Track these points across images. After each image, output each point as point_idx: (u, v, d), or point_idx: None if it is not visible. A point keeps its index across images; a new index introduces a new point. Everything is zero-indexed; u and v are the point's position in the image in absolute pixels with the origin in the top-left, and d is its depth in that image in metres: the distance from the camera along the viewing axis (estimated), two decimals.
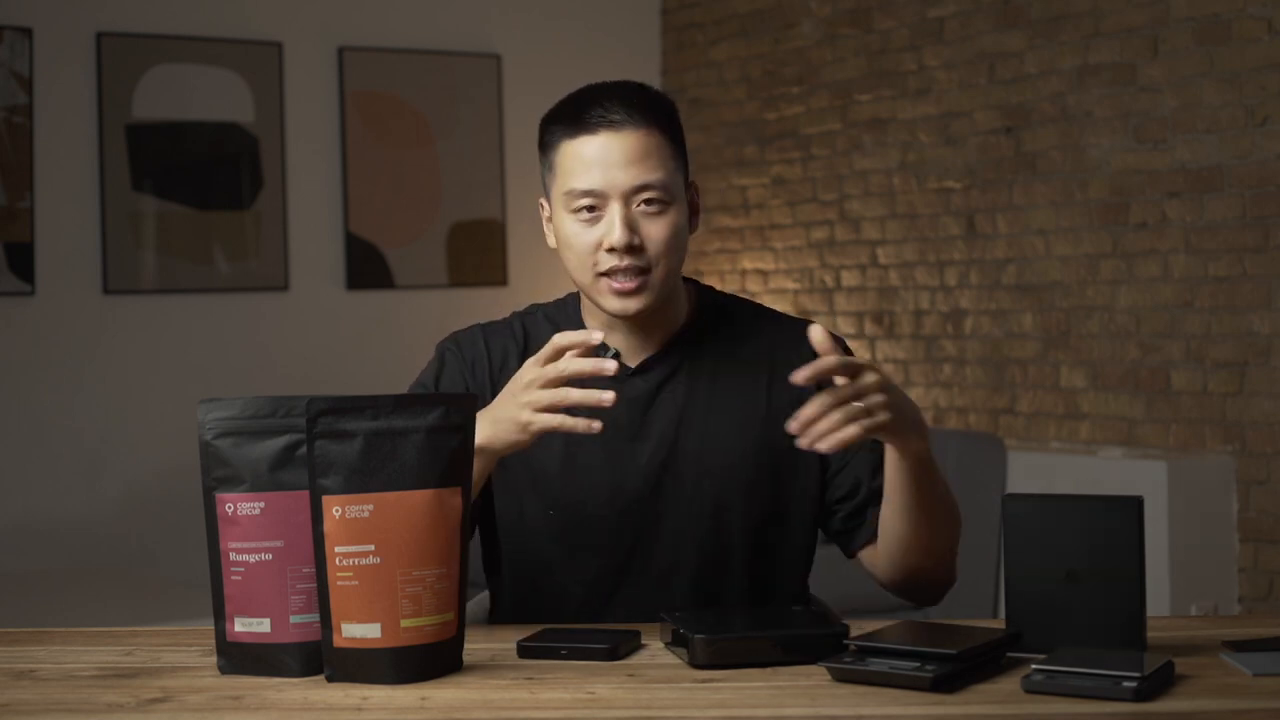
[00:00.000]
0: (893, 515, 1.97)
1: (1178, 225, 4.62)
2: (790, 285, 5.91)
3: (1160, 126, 4.65)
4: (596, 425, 1.81)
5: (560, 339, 1.83)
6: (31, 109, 5.22)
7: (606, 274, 2.00)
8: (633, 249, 1.98)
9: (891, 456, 1.92)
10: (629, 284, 1.99)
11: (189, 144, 5.50)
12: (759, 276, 6.05)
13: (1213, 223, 4.53)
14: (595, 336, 1.82)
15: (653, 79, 6.28)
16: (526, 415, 1.83)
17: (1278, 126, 4.36)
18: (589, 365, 1.81)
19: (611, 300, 2.01)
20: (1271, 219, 4.40)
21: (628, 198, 1.99)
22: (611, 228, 1.98)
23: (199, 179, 5.52)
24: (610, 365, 1.80)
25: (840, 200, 5.71)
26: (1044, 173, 5.00)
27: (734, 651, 1.70)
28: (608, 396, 1.80)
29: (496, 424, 1.85)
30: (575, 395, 1.81)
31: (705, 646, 1.69)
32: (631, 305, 2.00)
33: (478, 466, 1.86)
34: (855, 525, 2.08)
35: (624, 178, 1.98)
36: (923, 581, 2.03)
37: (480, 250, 6.00)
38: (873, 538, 2.06)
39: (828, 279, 5.77)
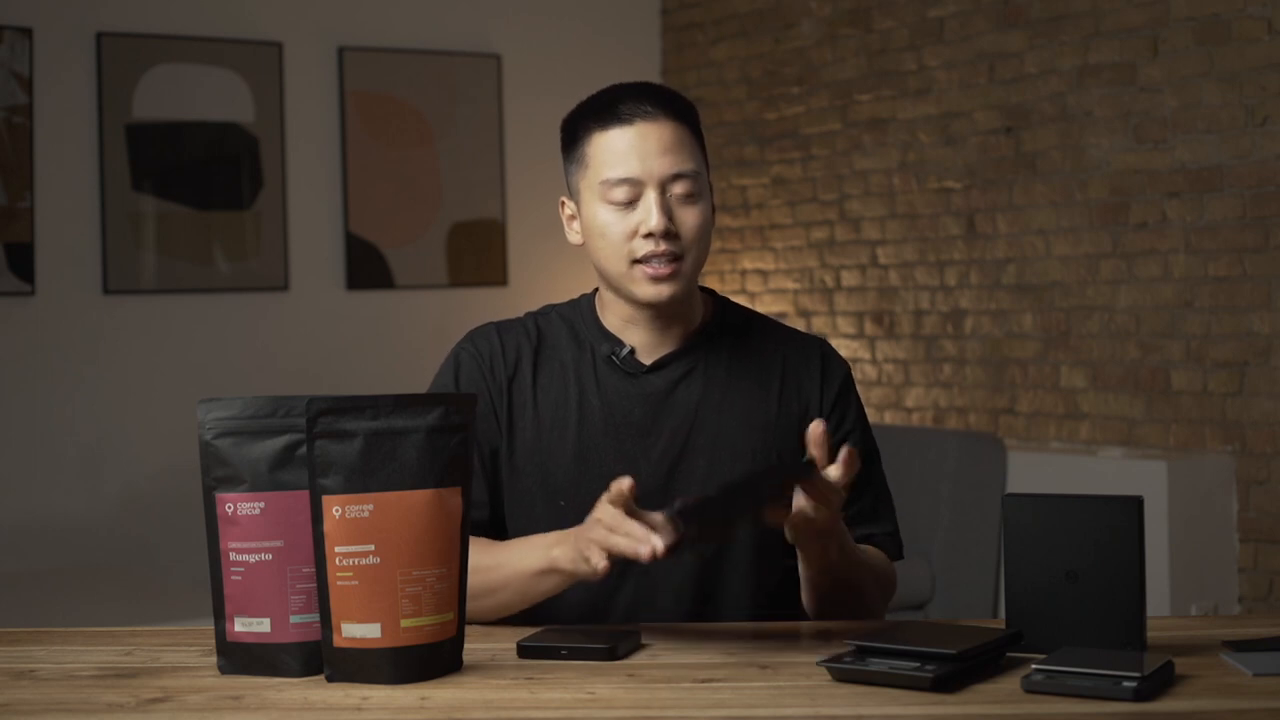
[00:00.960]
0: (805, 586, 2.02)
1: (1178, 225, 4.63)
2: (790, 285, 5.91)
3: (1160, 126, 4.65)
4: (644, 552, 1.76)
5: (620, 484, 1.81)
6: (31, 109, 5.22)
7: (641, 260, 2.02)
8: (669, 234, 2.01)
9: (803, 561, 1.96)
10: (664, 269, 2.02)
11: (189, 144, 5.50)
12: (759, 276, 6.05)
13: (1213, 223, 4.54)
14: (625, 483, 1.81)
15: (653, 79, 6.26)
16: (589, 551, 1.81)
17: (1278, 126, 4.36)
18: (642, 549, 1.77)
19: (645, 287, 2.03)
20: (1271, 219, 4.40)
21: (663, 185, 2.02)
22: (649, 213, 2.01)
23: (199, 179, 5.52)
24: (658, 546, 1.76)
25: (840, 200, 5.71)
26: (1044, 173, 5.00)
27: (709, 517, 1.72)
28: (644, 552, 1.75)
29: (576, 554, 1.85)
30: (620, 545, 1.78)
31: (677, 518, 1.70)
32: (665, 291, 2.03)
33: (554, 581, 1.90)
34: None
35: (660, 165, 2.02)
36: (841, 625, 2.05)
37: (480, 250, 5.99)
38: None
39: (828, 279, 5.77)
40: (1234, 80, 4.45)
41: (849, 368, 2.19)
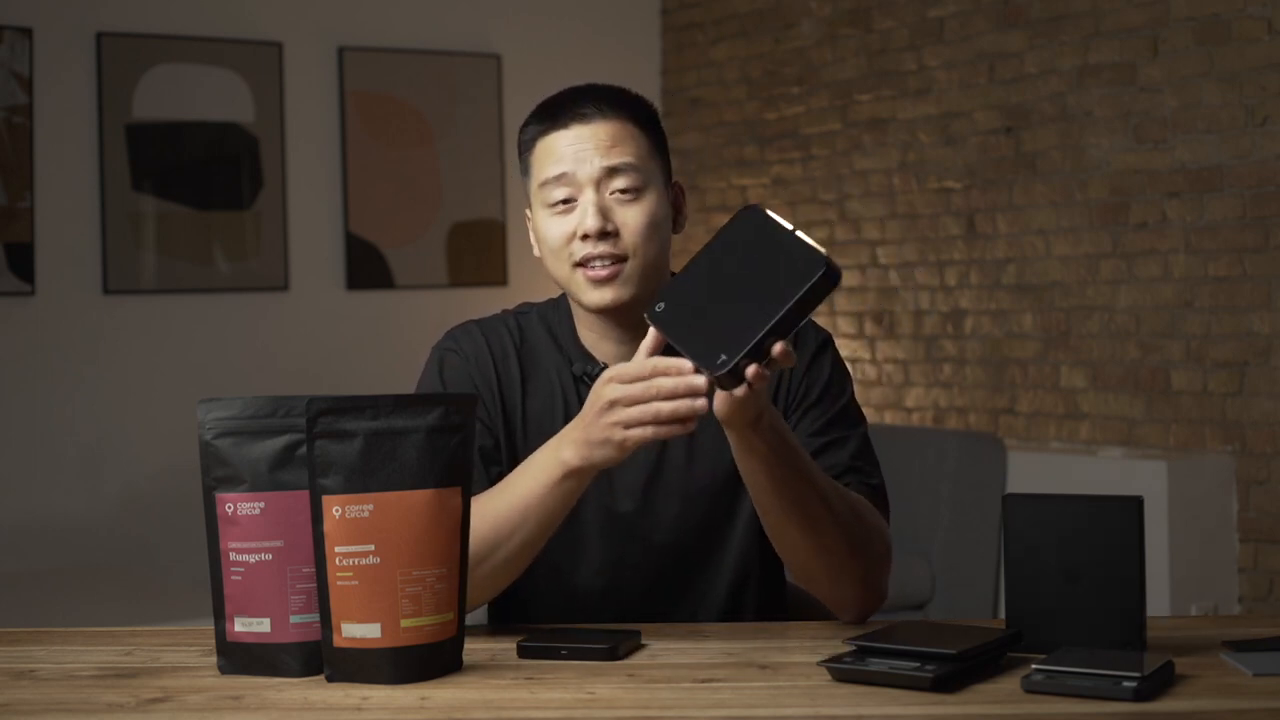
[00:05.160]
0: (761, 513, 1.88)
1: (1178, 225, 4.63)
2: None
3: (1160, 126, 4.65)
4: (691, 427, 1.72)
5: (654, 363, 1.73)
6: (31, 109, 5.22)
7: (582, 264, 1.98)
8: (606, 235, 1.96)
9: (738, 447, 1.81)
10: (603, 272, 1.96)
11: (189, 144, 5.50)
12: None
13: (1213, 223, 4.54)
14: (698, 381, 1.70)
15: (653, 79, 6.28)
16: (620, 434, 1.73)
17: (1278, 126, 4.36)
18: (681, 384, 1.70)
19: (588, 292, 1.98)
20: (1271, 219, 4.40)
21: (599, 184, 1.97)
22: (584, 215, 1.96)
23: (199, 179, 5.52)
24: (700, 382, 1.68)
25: (840, 200, 5.71)
26: (1044, 173, 5.00)
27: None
28: (700, 404, 1.69)
29: (591, 445, 1.76)
30: (666, 409, 1.71)
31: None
32: (608, 296, 1.97)
33: (570, 486, 1.81)
34: None
35: (594, 161, 1.97)
36: (824, 589, 1.91)
37: (480, 250, 6.00)
38: None
39: None
40: (1234, 80, 4.45)
41: (827, 335, 2.08)
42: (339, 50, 5.76)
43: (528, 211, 2.10)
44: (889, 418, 5.53)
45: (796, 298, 1.64)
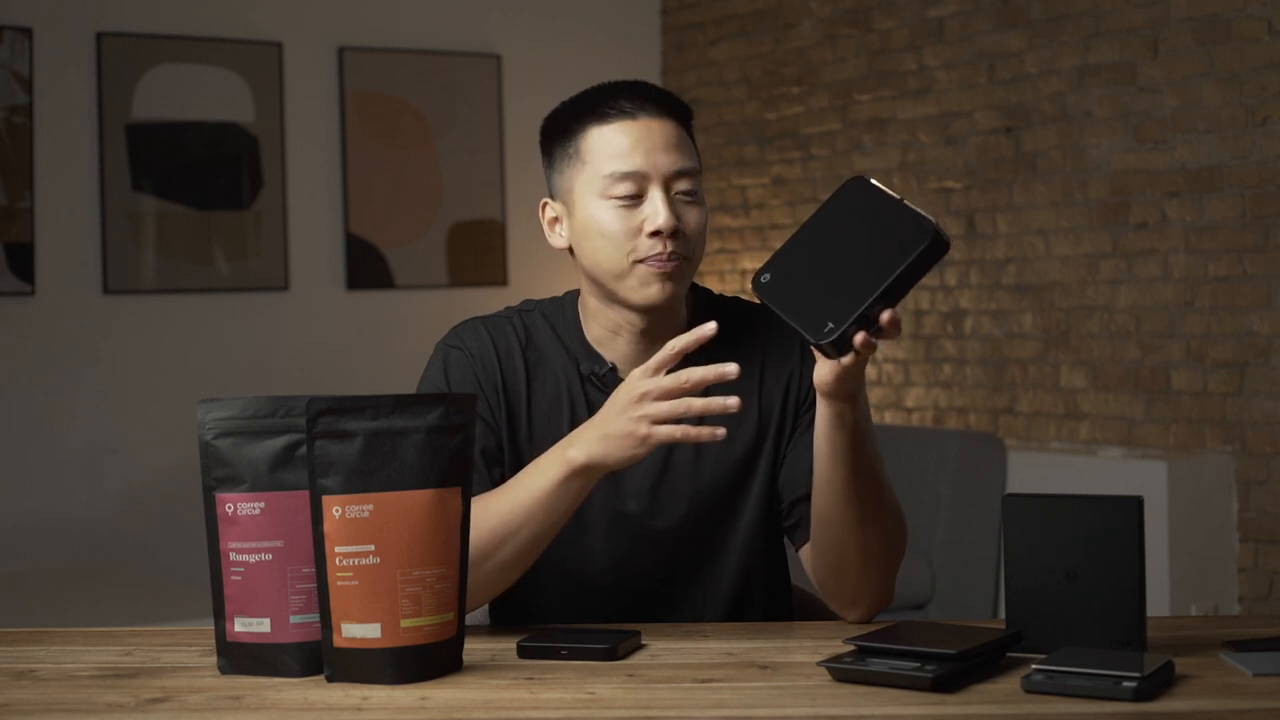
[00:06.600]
0: (822, 491, 1.88)
1: (1178, 225, 4.63)
2: None
3: (1160, 126, 4.65)
4: (721, 432, 1.73)
5: (675, 345, 1.76)
6: (31, 109, 5.22)
7: (642, 260, 1.95)
8: (676, 234, 1.95)
9: (830, 420, 1.82)
10: (668, 266, 1.95)
11: (189, 144, 5.50)
12: None
13: (1213, 223, 4.54)
14: (709, 329, 1.76)
15: (653, 79, 6.27)
16: (645, 429, 1.75)
17: (1278, 126, 4.36)
18: (711, 372, 1.73)
19: (646, 288, 1.96)
20: (1271, 219, 4.40)
21: (668, 183, 1.97)
22: (657, 211, 1.94)
23: (199, 179, 5.52)
24: (732, 369, 1.72)
25: None
26: (1044, 173, 5.00)
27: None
28: (732, 402, 1.71)
29: (609, 440, 1.77)
30: (698, 404, 1.73)
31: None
32: (668, 291, 1.96)
33: (576, 485, 1.82)
34: (798, 519, 2.02)
35: (665, 161, 1.96)
36: (848, 583, 1.91)
37: (480, 250, 6.00)
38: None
39: None
40: (1234, 80, 4.45)
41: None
42: (339, 50, 5.76)
43: (548, 201, 2.06)
44: (889, 418, 5.53)
45: (904, 266, 1.66)
